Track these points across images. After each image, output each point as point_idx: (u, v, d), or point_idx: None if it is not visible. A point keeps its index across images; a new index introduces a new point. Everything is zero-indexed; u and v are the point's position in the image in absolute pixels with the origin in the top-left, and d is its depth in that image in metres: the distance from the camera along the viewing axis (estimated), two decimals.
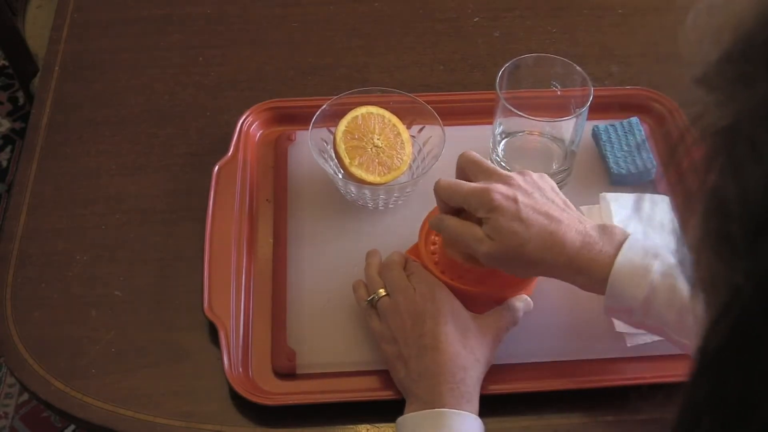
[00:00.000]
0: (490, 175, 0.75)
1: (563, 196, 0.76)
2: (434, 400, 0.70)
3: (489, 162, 0.77)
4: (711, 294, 0.35)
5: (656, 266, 0.69)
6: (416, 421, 0.70)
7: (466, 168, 0.77)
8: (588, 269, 0.71)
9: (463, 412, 0.69)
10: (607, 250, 0.71)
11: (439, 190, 0.76)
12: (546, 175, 0.77)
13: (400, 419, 0.71)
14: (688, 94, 0.35)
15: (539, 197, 0.73)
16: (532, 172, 0.76)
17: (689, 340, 0.70)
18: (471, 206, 0.73)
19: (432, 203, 0.81)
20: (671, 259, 0.69)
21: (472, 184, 0.74)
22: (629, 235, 0.72)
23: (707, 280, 0.35)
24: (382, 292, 0.77)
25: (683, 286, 0.67)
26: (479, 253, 0.73)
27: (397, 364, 0.74)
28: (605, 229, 0.72)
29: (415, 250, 0.81)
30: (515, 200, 0.72)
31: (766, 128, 0.31)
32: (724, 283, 0.33)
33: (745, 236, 0.32)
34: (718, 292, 0.34)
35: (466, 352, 0.72)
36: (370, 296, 0.78)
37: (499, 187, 0.72)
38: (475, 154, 0.77)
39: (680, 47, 0.37)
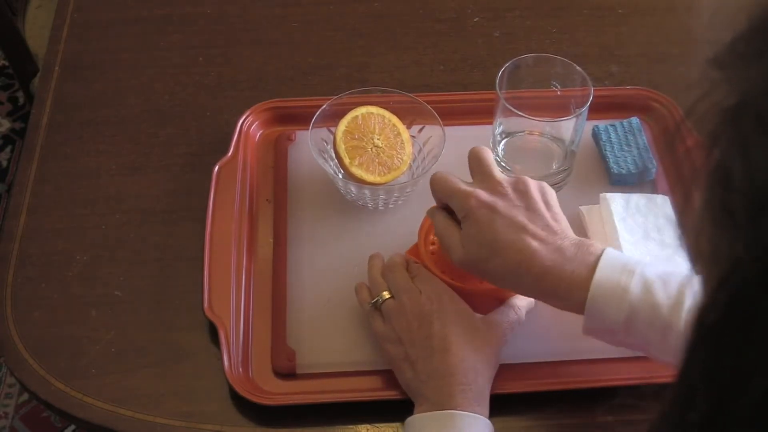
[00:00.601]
0: (484, 178, 0.74)
1: (557, 210, 0.74)
2: (445, 401, 0.69)
3: (492, 163, 0.76)
4: (710, 267, 0.35)
5: (633, 284, 0.67)
6: (425, 422, 0.69)
7: (470, 164, 0.77)
8: (557, 291, 0.70)
9: (474, 414, 0.69)
10: (579, 271, 0.69)
11: (431, 182, 0.76)
12: (546, 185, 0.75)
13: (409, 419, 0.71)
14: (697, 75, 0.36)
15: (522, 209, 0.72)
16: (530, 180, 0.74)
17: (672, 358, 0.70)
18: (453, 206, 0.74)
19: (431, 203, 0.81)
20: (649, 273, 0.68)
21: (460, 185, 0.74)
22: (604, 251, 0.70)
23: (707, 252, 0.35)
24: (386, 294, 0.77)
25: (664, 302, 0.67)
26: (452, 259, 0.73)
27: (403, 365, 0.74)
28: (581, 247, 0.70)
29: (414, 250, 0.81)
30: (492, 209, 0.71)
31: None
32: (724, 256, 0.33)
33: (748, 209, 0.32)
34: (717, 264, 0.34)
35: (476, 354, 0.72)
36: (374, 298, 0.77)
37: (481, 194, 0.72)
38: (483, 152, 0.76)
39: (695, 31, 0.38)
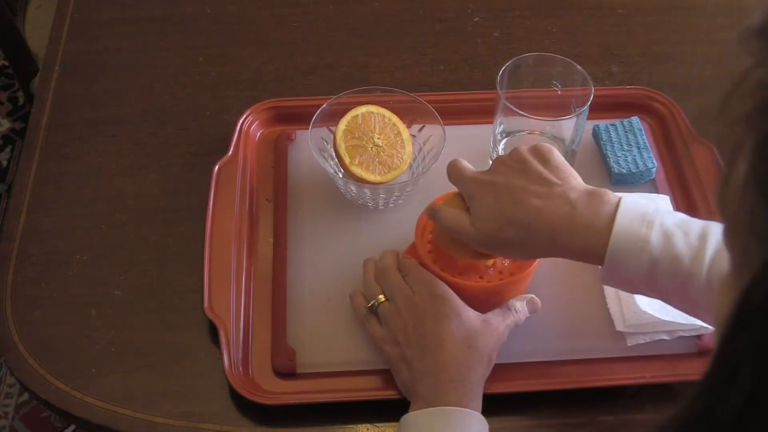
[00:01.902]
0: (493, 164, 0.75)
1: (558, 162, 0.72)
2: (437, 398, 0.70)
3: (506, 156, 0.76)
4: (754, 240, 0.34)
5: (654, 236, 0.66)
6: (420, 419, 0.69)
7: (452, 175, 0.77)
8: (572, 244, 0.68)
9: (468, 410, 0.69)
10: (596, 224, 0.67)
11: (448, 168, 0.77)
12: (541, 144, 0.74)
13: (403, 418, 0.71)
14: (739, 47, 0.35)
15: (519, 174, 0.71)
16: (522, 147, 0.74)
17: (692, 307, 0.69)
18: (463, 193, 0.75)
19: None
20: (668, 222, 0.66)
21: (466, 171, 0.75)
22: (620, 200, 0.68)
23: (750, 226, 0.34)
24: (381, 297, 0.77)
25: (685, 252, 0.65)
26: (469, 241, 0.73)
27: (401, 365, 0.74)
28: (594, 197, 0.69)
29: (412, 250, 0.81)
30: (492, 183, 0.71)
31: None
32: None
33: None
34: (763, 238, 0.33)
35: (470, 351, 0.72)
36: (369, 303, 0.78)
37: (479, 174, 0.73)
38: (462, 161, 0.77)
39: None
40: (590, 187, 0.71)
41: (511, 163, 0.73)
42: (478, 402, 0.71)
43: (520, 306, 0.77)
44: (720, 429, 0.34)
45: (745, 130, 0.35)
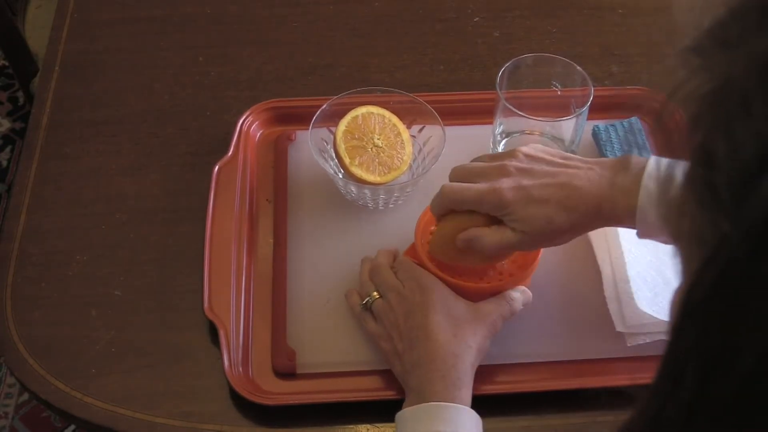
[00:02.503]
0: (487, 173, 0.74)
1: (560, 152, 0.76)
2: (425, 389, 0.70)
3: (474, 164, 0.77)
4: (694, 245, 0.36)
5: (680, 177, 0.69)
6: (413, 415, 0.70)
7: (450, 198, 0.76)
8: (614, 210, 0.70)
9: (457, 405, 0.69)
10: (628, 183, 0.70)
11: (447, 196, 0.75)
12: (534, 144, 0.77)
13: (398, 414, 0.71)
14: (674, 63, 0.37)
15: (540, 169, 0.73)
16: (521, 148, 0.75)
17: None
18: (485, 209, 0.74)
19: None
20: None
21: (479, 187, 0.74)
22: (646, 163, 0.71)
23: (691, 232, 0.36)
24: (375, 294, 0.78)
25: None
26: (519, 248, 0.74)
27: (394, 360, 0.75)
28: (619, 162, 0.72)
29: (412, 250, 0.81)
30: (522, 188, 0.72)
31: (758, 83, 0.33)
32: (709, 234, 0.34)
33: (733, 187, 0.33)
34: (702, 242, 0.35)
35: (457, 339, 0.72)
36: (363, 300, 0.79)
37: (504, 182, 0.73)
38: (451, 186, 0.76)
39: (674, 18, 0.39)
40: (612, 158, 0.74)
41: (525, 165, 0.74)
42: (468, 391, 0.71)
43: (515, 296, 0.77)
44: (671, 427, 0.36)
45: (679, 140, 0.37)
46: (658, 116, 0.37)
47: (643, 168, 0.70)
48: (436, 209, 0.77)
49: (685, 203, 0.36)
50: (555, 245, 0.76)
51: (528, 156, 0.74)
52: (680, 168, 0.37)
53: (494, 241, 0.73)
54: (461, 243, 0.75)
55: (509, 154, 0.75)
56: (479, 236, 0.74)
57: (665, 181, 0.39)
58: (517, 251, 0.78)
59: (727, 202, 0.33)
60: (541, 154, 0.75)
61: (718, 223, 0.33)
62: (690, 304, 0.35)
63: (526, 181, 0.72)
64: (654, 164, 0.70)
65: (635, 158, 0.72)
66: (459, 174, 0.77)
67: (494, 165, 0.75)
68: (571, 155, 0.75)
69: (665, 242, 0.73)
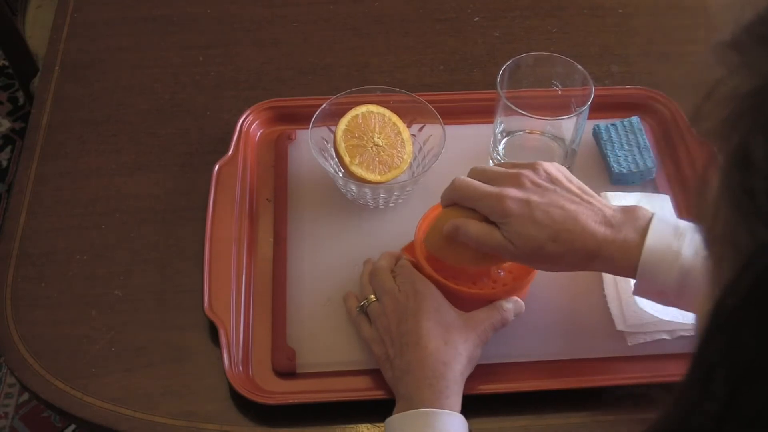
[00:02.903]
0: (502, 179, 0.74)
1: (579, 183, 0.74)
2: (414, 396, 0.70)
3: (494, 167, 0.77)
4: (729, 250, 0.35)
5: (685, 248, 0.68)
6: (402, 422, 0.70)
7: (462, 193, 0.75)
8: (612, 259, 0.70)
9: (447, 411, 0.69)
10: (631, 237, 0.70)
11: (455, 189, 0.75)
12: (557, 165, 0.76)
13: (387, 420, 0.71)
14: (707, 59, 0.36)
15: (553, 192, 0.72)
16: (543, 164, 0.74)
17: None
18: (484, 211, 0.73)
19: (432, 202, 0.81)
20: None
21: (487, 188, 0.73)
22: (653, 215, 0.71)
23: (725, 236, 0.35)
24: (372, 297, 0.78)
25: None
26: (505, 255, 0.73)
27: (386, 364, 0.74)
28: (628, 213, 0.71)
29: (411, 248, 0.81)
30: (528, 203, 0.71)
31: None
32: (744, 239, 0.33)
33: None
34: (737, 247, 0.34)
35: (447, 347, 0.72)
36: (360, 303, 0.79)
37: (512, 192, 0.72)
38: (465, 180, 0.75)
39: (711, 12, 0.37)
40: (622, 205, 0.73)
41: (541, 181, 0.73)
42: (457, 399, 0.71)
43: (507, 306, 0.76)
44: None
45: (716, 141, 0.35)
46: (692, 117, 0.36)
47: (648, 221, 0.70)
48: (443, 199, 0.77)
49: (719, 207, 0.35)
50: (547, 270, 0.75)
51: (547, 173, 0.73)
52: (716, 171, 0.35)
53: (479, 234, 0.73)
54: (447, 229, 0.75)
55: (530, 165, 0.74)
56: (465, 225, 0.73)
57: (700, 182, 0.37)
58: (509, 261, 0.77)
59: (765, 208, 0.32)
60: (560, 177, 0.74)
61: (755, 230, 0.32)
62: (721, 312, 0.34)
63: (534, 198, 0.71)
64: (661, 219, 0.70)
65: (642, 210, 0.71)
66: (476, 173, 0.76)
67: (511, 173, 0.74)
68: (589, 190, 0.74)
69: (660, 303, 0.73)
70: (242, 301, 0.82)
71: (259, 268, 0.85)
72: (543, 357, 0.79)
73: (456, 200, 0.75)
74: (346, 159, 0.86)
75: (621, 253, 0.69)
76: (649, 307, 0.77)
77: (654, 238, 0.69)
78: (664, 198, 0.88)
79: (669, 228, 0.69)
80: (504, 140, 0.91)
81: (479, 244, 0.73)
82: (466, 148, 0.89)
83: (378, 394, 0.76)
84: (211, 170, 0.90)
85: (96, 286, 0.85)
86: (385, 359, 0.74)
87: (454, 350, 0.72)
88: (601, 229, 0.70)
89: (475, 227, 0.73)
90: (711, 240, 0.37)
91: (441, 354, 0.71)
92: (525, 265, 0.76)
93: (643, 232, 0.69)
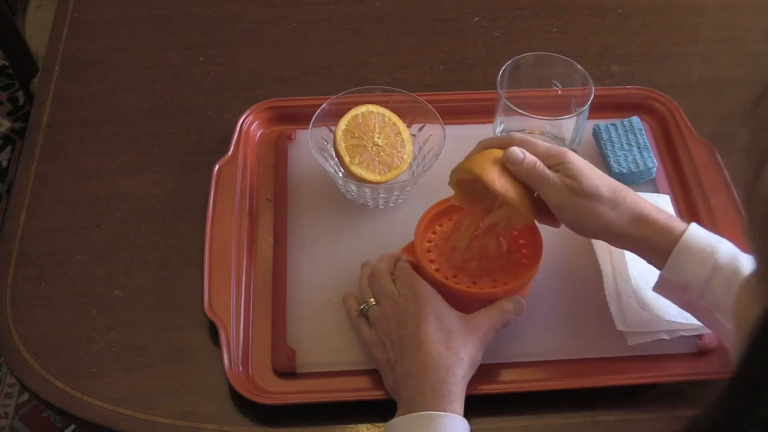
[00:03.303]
0: (549, 148, 0.76)
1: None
2: (417, 401, 0.70)
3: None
4: None
5: (723, 249, 0.70)
6: (404, 425, 0.69)
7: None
8: (651, 235, 0.71)
9: (448, 413, 0.69)
10: (675, 224, 0.72)
11: (517, 137, 0.76)
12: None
13: (388, 423, 0.71)
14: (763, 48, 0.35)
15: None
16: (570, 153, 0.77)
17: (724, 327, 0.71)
18: (549, 161, 0.74)
19: (431, 202, 0.81)
20: (735, 248, 0.70)
21: (548, 144, 0.76)
22: (692, 222, 0.73)
23: None
24: (372, 301, 0.78)
25: (747, 271, 0.66)
26: (549, 197, 0.73)
27: (386, 369, 0.74)
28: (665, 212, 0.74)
29: (411, 248, 0.81)
30: (587, 164, 0.74)
31: None
32: None
33: None
34: None
35: (449, 352, 0.72)
36: (360, 306, 0.78)
37: (572, 153, 0.75)
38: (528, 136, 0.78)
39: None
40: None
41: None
42: (460, 404, 0.71)
43: (507, 307, 0.76)
44: None
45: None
46: (754, 105, 0.35)
47: (687, 224, 0.72)
48: (492, 141, 0.78)
49: None
50: (578, 226, 0.75)
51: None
52: None
53: (545, 151, 0.74)
54: (517, 140, 0.76)
55: (563, 151, 0.76)
56: (534, 144, 0.75)
57: (755, 170, 0.37)
58: (529, 222, 0.77)
59: None
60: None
61: None
62: None
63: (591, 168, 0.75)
64: (697, 227, 0.72)
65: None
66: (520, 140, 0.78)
67: (555, 146, 0.76)
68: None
69: (677, 297, 0.74)
70: (242, 301, 0.82)
71: (259, 268, 0.85)
72: (543, 357, 0.79)
73: (512, 146, 0.76)
74: (346, 159, 0.86)
75: (663, 231, 0.71)
76: (649, 306, 0.77)
77: (695, 229, 0.71)
78: (664, 198, 0.88)
79: (707, 232, 0.72)
80: None
81: (534, 172, 0.74)
82: (466, 148, 0.88)
83: (378, 394, 0.76)
84: (211, 170, 0.90)
85: (96, 286, 0.85)
86: (385, 363, 0.74)
87: (455, 355, 0.72)
88: (646, 204, 0.73)
89: (543, 146, 0.75)
90: (760, 236, 0.37)
91: (443, 359, 0.71)
92: (568, 214, 0.74)
93: (685, 225, 0.72)
